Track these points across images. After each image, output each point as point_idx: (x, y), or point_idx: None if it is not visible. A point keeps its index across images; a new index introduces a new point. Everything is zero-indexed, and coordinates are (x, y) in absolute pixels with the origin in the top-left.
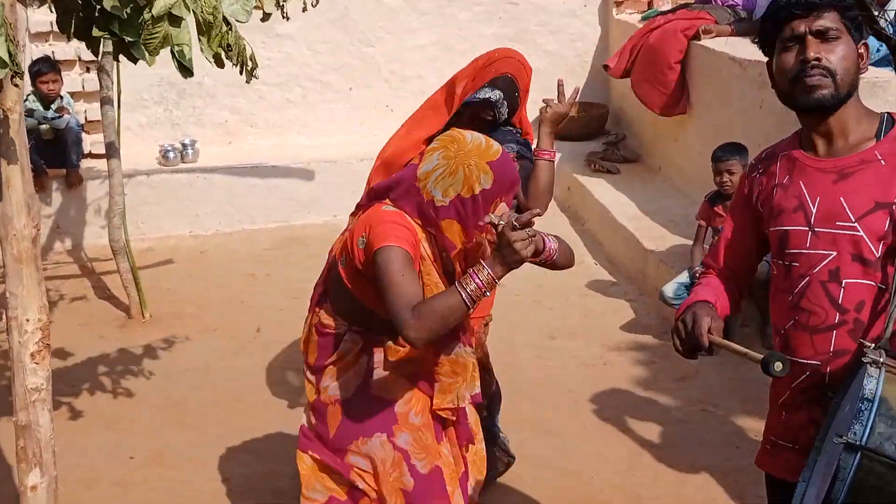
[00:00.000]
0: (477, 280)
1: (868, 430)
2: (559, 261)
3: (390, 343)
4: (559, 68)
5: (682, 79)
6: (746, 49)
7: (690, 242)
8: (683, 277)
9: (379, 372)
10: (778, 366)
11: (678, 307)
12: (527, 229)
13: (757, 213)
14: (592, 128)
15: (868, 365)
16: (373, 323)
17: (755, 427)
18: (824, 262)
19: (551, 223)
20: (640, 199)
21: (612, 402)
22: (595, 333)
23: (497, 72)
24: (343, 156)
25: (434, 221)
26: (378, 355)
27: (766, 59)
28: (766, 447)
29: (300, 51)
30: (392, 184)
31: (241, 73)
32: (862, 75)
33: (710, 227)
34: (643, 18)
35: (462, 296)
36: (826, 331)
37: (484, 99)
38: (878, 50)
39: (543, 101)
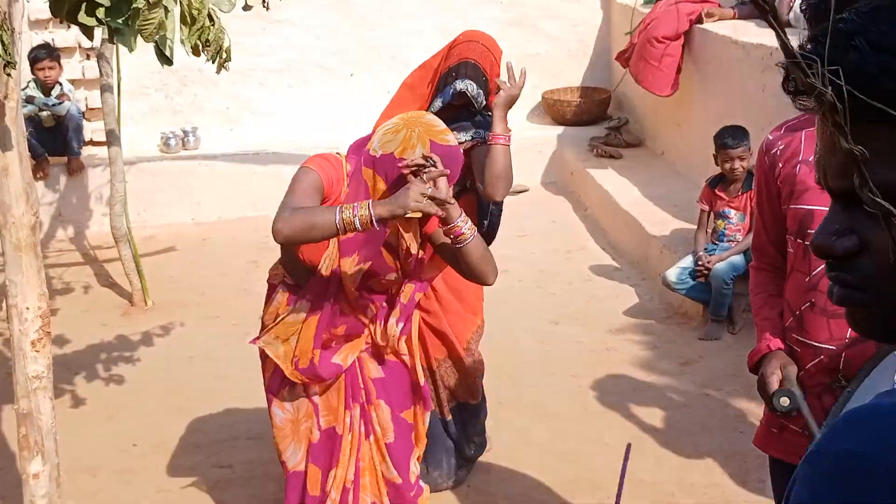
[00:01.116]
0: (355, 210)
1: None
2: (470, 250)
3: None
4: (560, 53)
5: (679, 59)
6: (749, 32)
7: (693, 227)
8: (686, 262)
9: None
10: (784, 401)
11: (748, 356)
12: (442, 195)
13: (777, 189)
14: (595, 113)
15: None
16: (299, 274)
17: (758, 411)
18: None
19: (554, 208)
20: (643, 184)
21: (615, 386)
22: (598, 318)
23: (460, 57)
24: (345, 141)
25: (362, 168)
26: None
27: (769, 42)
28: (773, 430)
29: (301, 36)
30: (360, 142)
31: (213, 62)
32: None
33: (711, 211)
34: (646, 2)
35: (336, 217)
36: (843, 316)
37: (459, 92)
38: None
39: (496, 82)
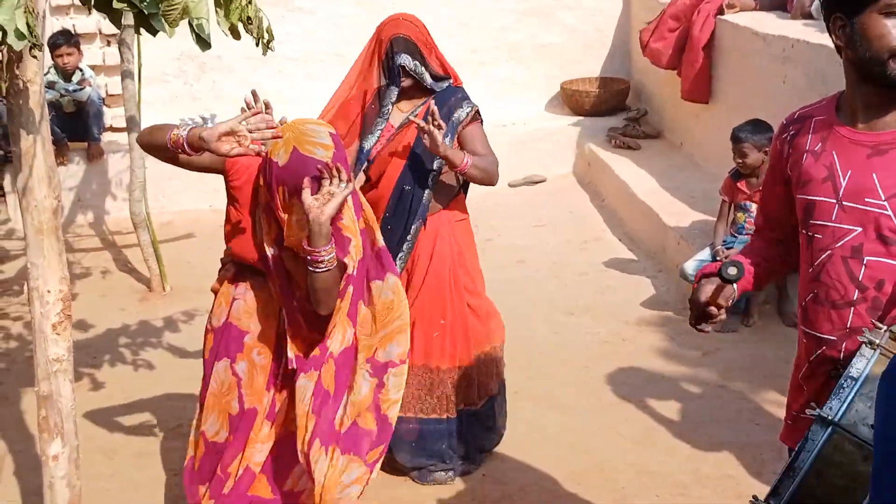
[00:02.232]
0: (179, 131)
1: (844, 408)
2: (317, 277)
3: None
4: (578, 43)
5: (708, 63)
6: (770, 24)
7: (711, 219)
8: (704, 254)
9: (240, 303)
10: (731, 270)
11: (697, 273)
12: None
13: (787, 175)
14: (613, 103)
15: (864, 345)
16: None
17: (774, 403)
18: (848, 238)
19: (571, 198)
20: (661, 175)
21: (629, 378)
22: (613, 310)
23: (386, 38)
24: None
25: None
26: (243, 287)
27: (788, 33)
28: (788, 422)
29: (319, 25)
30: None
31: (257, 45)
32: None
33: (732, 203)
34: None
35: (168, 131)
36: (844, 307)
37: (399, 66)
38: None
39: (415, 123)
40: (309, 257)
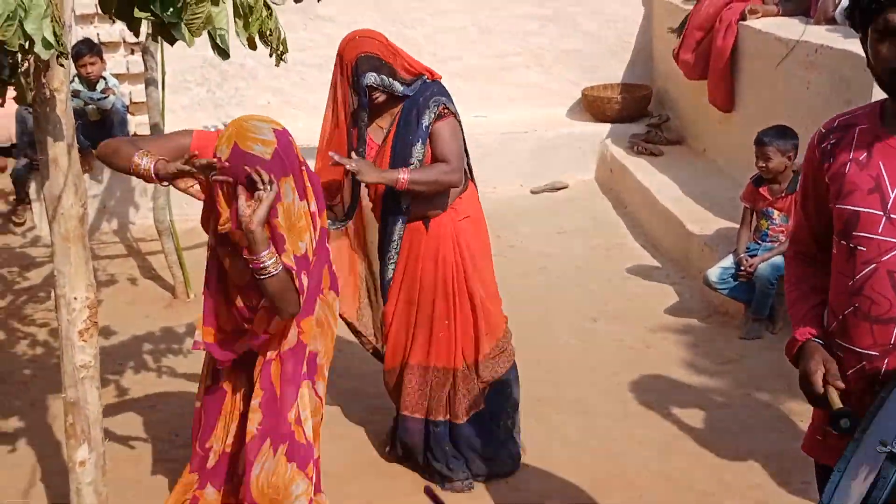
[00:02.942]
0: (143, 160)
1: None
2: (266, 283)
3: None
4: (599, 49)
5: (730, 71)
6: (794, 29)
7: (735, 225)
8: (728, 262)
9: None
10: (845, 422)
11: (786, 346)
12: (246, 220)
13: (825, 185)
14: (635, 109)
15: None
16: None
17: (801, 412)
18: (895, 252)
19: (593, 205)
20: (684, 182)
21: (653, 385)
22: (637, 316)
23: (350, 60)
24: None
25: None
26: None
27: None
28: (817, 437)
29: (340, 32)
30: None
31: (271, 55)
32: None
33: (754, 210)
34: None
35: (133, 157)
36: (888, 322)
37: (366, 86)
38: None
39: (336, 160)
40: (252, 266)
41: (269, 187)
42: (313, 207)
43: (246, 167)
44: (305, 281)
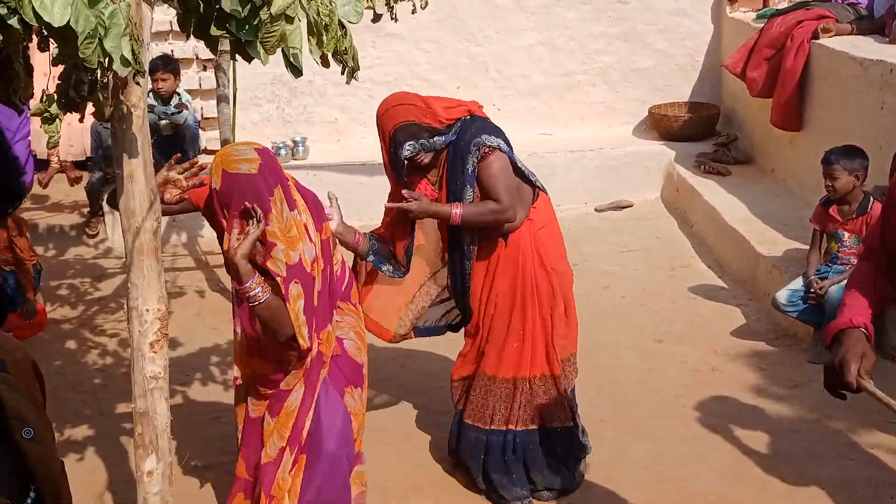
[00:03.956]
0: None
1: None
2: (257, 310)
3: None
4: (668, 67)
5: (798, 91)
6: (868, 48)
7: (804, 247)
8: (797, 284)
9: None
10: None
11: (826, 328)
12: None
13: None
14: (702, 128)
15: None
16: None
17: (871, 440)
18: None
19: (659, 224)
20: (752, 202)
21: (719, 408)
22: (703, 338)
23: (387, 132)
24: None
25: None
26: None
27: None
28: None
29: (409, 50)
30: None
31: (342, 73)
32: None
33: (824, 232)
34: (758, 17)
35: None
36: None
37: (406, 159)
38: None
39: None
40: (241, 295)
41: (257, 223)
42: (305, 218)
43: (246, 203)
44: (296, 290)
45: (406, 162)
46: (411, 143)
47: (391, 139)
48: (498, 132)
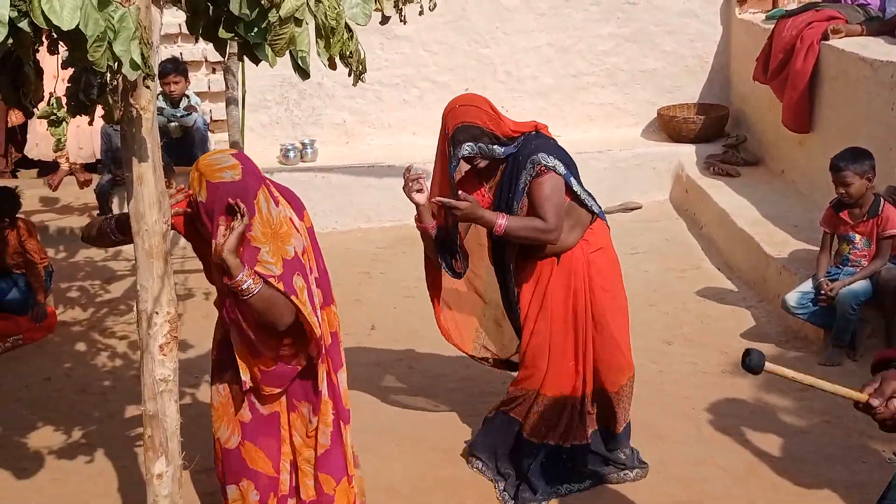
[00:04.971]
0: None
1: None
2: (250, 302)
3: None
4: (677, 68)
5: (808, 92)
6: (878, 49)
7: (814, 248)
8: (807, 286)
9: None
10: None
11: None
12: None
13: None
14: (712, 130)
15: None
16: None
17: (882, 441)
18: None
19: (668, 226)
20: (762, 203)
21: (729, 410)
22: (712, 340)
23: (449, 130)
24: None
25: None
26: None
27: None
28: None
29: (417, 52)
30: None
31: (349, 75)
32: None
33: (835, 235)
34: (768, 18)
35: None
36: None
37: (462, 158)
38: None
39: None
40: (234, 290)
41: (241, 218)
42: (289, 213)
43: (230, 199)
44: (300, 282)
45: (460, 162)
46: (470, 144)
47: (452, 137)
48: (559, 153)
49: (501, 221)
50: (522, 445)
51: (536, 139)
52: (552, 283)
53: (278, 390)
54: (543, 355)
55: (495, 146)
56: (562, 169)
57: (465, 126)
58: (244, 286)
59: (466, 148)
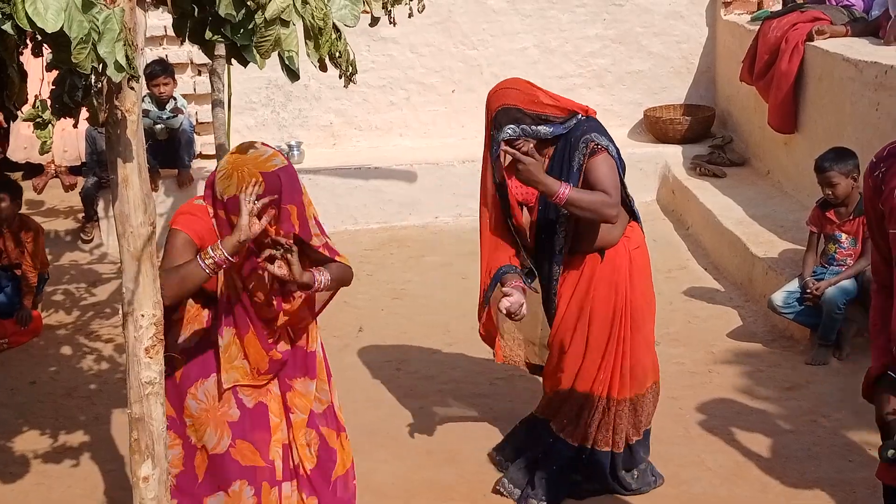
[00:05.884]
0: (211, 253)
1: None
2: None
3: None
4: (663, 70)
5: (792, 93)
6: (863, 50)
7: (800, 248)
8: (793, 286)
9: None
10: (892, 453)
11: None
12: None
13: (881, 211)
14: (698, 130)
15: None
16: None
17: (868, 439)
18: None
19: (655, 227)
20: (748, 204)
21: (717, 410)
22: (699, 340)
23: (491, 113)
24: (444, 158)
25: (218, 213)
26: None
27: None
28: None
29: (403, 54)
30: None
31: (340, 77)
32: None
33: (821, 234)
34: (753, 19)
35: (200, 264)
36: None
37: (502, 141)
38: None
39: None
40: (315, 292)
41: (291, 249)
42: None
43: (267, 239)
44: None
45: (499, 147)
46: (512, 126)
47: (493, 119)
48: (609, 138)
49: (564, 190)
50: (546, 446)
51: (588, 121)
52: (596, 278)
53: (311, 322)
54: (579, 352)
55: (541, 126)
56: (614, 151)
57: (505, 108)
58: (321, 284)
59: (508, 131)
